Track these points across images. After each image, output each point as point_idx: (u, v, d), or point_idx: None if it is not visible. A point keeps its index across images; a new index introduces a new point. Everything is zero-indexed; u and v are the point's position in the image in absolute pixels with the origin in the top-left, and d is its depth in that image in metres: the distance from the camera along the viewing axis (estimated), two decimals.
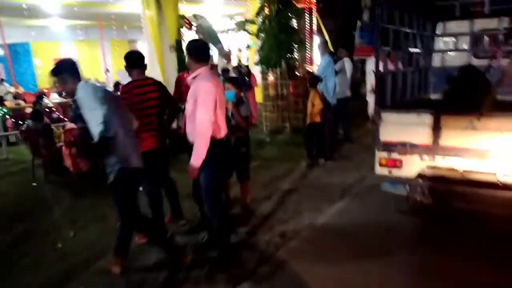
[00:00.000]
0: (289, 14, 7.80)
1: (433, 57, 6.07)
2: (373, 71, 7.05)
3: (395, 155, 3.71)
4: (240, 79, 9.19)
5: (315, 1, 13.53)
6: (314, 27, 13.97)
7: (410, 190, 3.67)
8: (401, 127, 3.69)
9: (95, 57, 14.77)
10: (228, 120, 3.99)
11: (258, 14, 8.13)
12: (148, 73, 3.72)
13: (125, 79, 6.20)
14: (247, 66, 9.73)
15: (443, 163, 3.51)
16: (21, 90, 12.54)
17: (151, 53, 7.79)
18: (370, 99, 7.93)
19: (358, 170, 5.65)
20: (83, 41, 15.03)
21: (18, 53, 14.04)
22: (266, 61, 8.09)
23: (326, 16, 15.28)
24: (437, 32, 5.97)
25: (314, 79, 5.92)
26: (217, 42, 9.92)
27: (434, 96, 5.81)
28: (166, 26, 7.98)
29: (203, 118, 2.85)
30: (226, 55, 11.05)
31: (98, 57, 14.63)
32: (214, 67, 8.97)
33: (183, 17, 8.95)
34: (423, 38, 5.56)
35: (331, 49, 10.19)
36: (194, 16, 9.46)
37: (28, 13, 10.04)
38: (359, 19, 12.05)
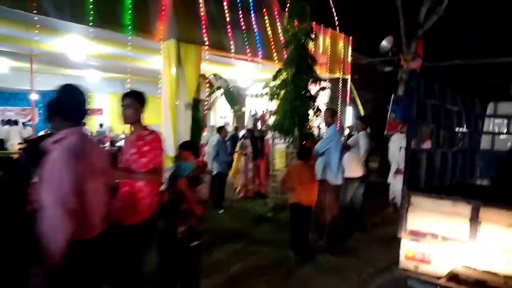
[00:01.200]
0: (306, 80, 7.14)
1: (481, 139, 5.36)
2: (401, 148, 6.16)
3: (423, 248, 3.22)
4: (252, 144, 8.52)
5: (351, 72, 13.14)
6: (348, 97, 13.41)
7: None
8: (433, 215, 3.20)
9: None
10: (177, 204, 3.12)
11: (274, 78, 7.59)
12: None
13: None
14: (261, 131, 9.06)
15: (481, 263, 2.95)
16: None
17: (165, 109, 7.44)
18: (393, 181, 6.81)
19: (361, 272, 4.43)
20: (118, 94, 15.42)
21: None
22: (278, 127, 7.35)
23: (362, 87, 14.72)
24: (488, 112, 5.37)
25: (304, 151, 4.87)
26: (235, 104, 9.56)
27: (480, 182, 4.96)
28: (185, 84, 7.74)
29: (52, 209, 1.95)
30: (258, 119, 10.97)
31: None
32: (222, 129, 8.36)
33: (203, 76, 8.71)
34: (470, 117, 4.86)
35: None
36: (214, 75, 9.20)
37: (59, 62, 10.37)
38: (395, 92, 11.26)
